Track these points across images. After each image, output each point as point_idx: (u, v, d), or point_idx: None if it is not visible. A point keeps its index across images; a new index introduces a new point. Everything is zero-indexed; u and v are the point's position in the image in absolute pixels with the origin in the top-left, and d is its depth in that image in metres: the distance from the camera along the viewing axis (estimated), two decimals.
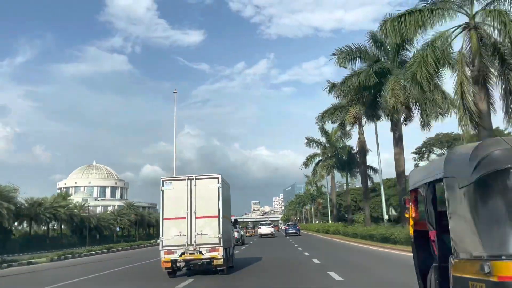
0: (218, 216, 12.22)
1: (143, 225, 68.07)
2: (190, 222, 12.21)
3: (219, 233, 12.12)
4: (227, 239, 13.24)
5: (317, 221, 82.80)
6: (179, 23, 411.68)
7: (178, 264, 12.28)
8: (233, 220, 16.72)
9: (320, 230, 53.62)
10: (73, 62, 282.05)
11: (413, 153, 59.31)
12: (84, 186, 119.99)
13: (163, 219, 12.38)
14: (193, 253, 12.08)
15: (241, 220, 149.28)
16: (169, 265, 12.15)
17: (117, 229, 57.75)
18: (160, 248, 12.22)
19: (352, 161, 44.57)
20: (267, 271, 13.59)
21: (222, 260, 12.14)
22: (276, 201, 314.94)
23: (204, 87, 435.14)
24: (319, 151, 49.50)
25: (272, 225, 57.53)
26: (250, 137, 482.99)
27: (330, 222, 56.62)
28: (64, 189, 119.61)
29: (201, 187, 12.48)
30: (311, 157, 51.06)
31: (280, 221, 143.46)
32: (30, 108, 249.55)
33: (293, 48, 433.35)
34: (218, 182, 12.48)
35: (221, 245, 12.08)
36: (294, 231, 51.66)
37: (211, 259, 12.13)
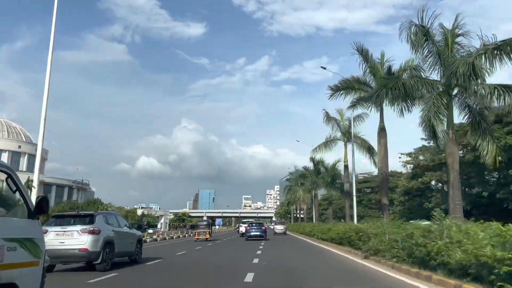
0: None
1: None
2: None
3: None
4: None
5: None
6: (181, 15, 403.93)
7: None
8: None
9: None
10: (72, 50, 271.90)
11: None
12: None
13: None
14: None
15: (217, 215, 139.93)
16: None
17: None
18: None
19: None
20: None
21: None
22: (270, 194, 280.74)
23: (204, 82, 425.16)
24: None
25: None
26: (248, 134, 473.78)
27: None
28: None
29: None
30: None
31: (273, 218, 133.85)
32: (27, 95, 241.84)
33: (295, 46, 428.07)
34: None
35: None
36: (258, 233, 37.20)
37: None
